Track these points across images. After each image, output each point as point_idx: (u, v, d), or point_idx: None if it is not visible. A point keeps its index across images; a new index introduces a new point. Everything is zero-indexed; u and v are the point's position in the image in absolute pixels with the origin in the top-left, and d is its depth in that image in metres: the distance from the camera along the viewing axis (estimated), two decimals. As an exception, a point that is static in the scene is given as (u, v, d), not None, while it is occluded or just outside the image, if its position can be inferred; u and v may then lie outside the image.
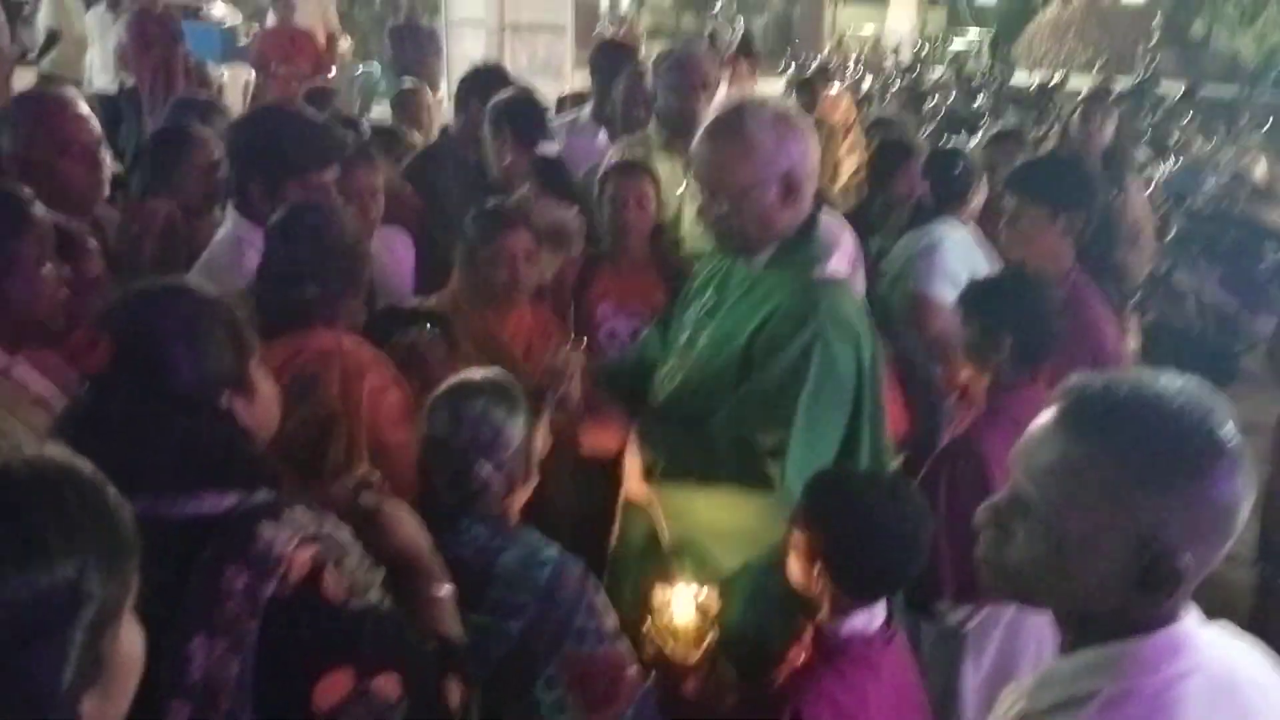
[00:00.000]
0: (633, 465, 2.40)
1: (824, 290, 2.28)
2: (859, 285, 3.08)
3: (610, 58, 4.78)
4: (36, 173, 2.58)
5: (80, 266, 2.29)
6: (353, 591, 1.45)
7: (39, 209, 2.01)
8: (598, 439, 2.43)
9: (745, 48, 13.92)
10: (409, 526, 1.71)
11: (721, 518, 2.33)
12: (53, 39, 8.83)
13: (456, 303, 2.98)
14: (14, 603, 0.79)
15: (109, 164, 2.83)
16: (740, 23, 25.67)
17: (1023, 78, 16.00)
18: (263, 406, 1.59)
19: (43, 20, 9.14)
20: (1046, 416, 1.29)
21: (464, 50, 11.06)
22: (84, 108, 2.83)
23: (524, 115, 3.81)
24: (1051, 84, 13.68)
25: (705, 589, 2.16)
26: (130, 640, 0.92)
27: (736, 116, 2.24)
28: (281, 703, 1.37)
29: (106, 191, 2.89)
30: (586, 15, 21.04)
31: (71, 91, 3.05)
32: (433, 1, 11.59)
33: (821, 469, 2.19)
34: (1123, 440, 1.22)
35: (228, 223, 2.63)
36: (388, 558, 1.61)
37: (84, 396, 1.45)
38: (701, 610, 2.13)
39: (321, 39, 10.20)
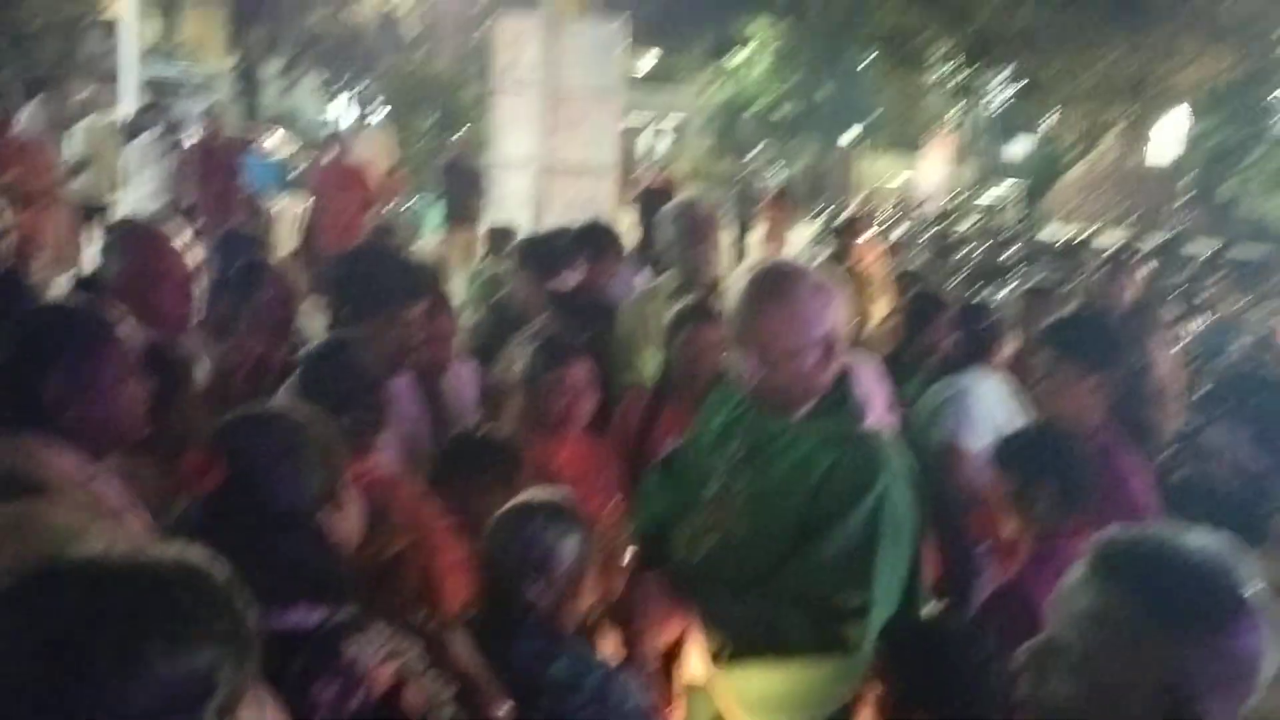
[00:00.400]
0: (692, 647, 2.38)
1: (878, 444, 2.34)
2: (892, 428, 3.16)
3: (651, 201, 5.02)
4: (132, 298, 2.76)
5: (169, 384, 2.41)
6: (429, 707, 1.53)
7: (125, 329, 2.12)
8: (661, 635, 2.39)
9: (780, 196, 14.32)
10: (466, 649, 1.79)
11: (796, 686, 2.31)
12: (80, 166, 9.08)
13: (513, 430, 3.07)
14: (157, 683, 0.87)
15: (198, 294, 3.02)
16: (775, 169, 26.42)
17: (1053, 231, 16.29)
18: (350, 521, 1.69)
19: (76, 147, 9.44)
20: (1080, 566, 1.38)
21: (509, 188, 11.46)
22: (179, 241, 3.02)
23: (542, 251, 4.02)
24: (1082, 238, 13.95)
25: None
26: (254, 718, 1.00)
27: (782, 282, 2.32)
28: None
29: (195, 319, 3.07)
30: (625, 158, 21.75)
31: (169, 225, 3.23)
32: (482, 141, 12.04)
33: (898, 620, 2.21)
34: (1149, 591, 1.31)
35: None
36: (451, 678, 1.68)
37: (192, 512, 1.55)
38: None
39: (377, 173, 10.64)
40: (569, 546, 2.10)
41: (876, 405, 3.09)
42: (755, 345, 2.30)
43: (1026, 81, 19.18)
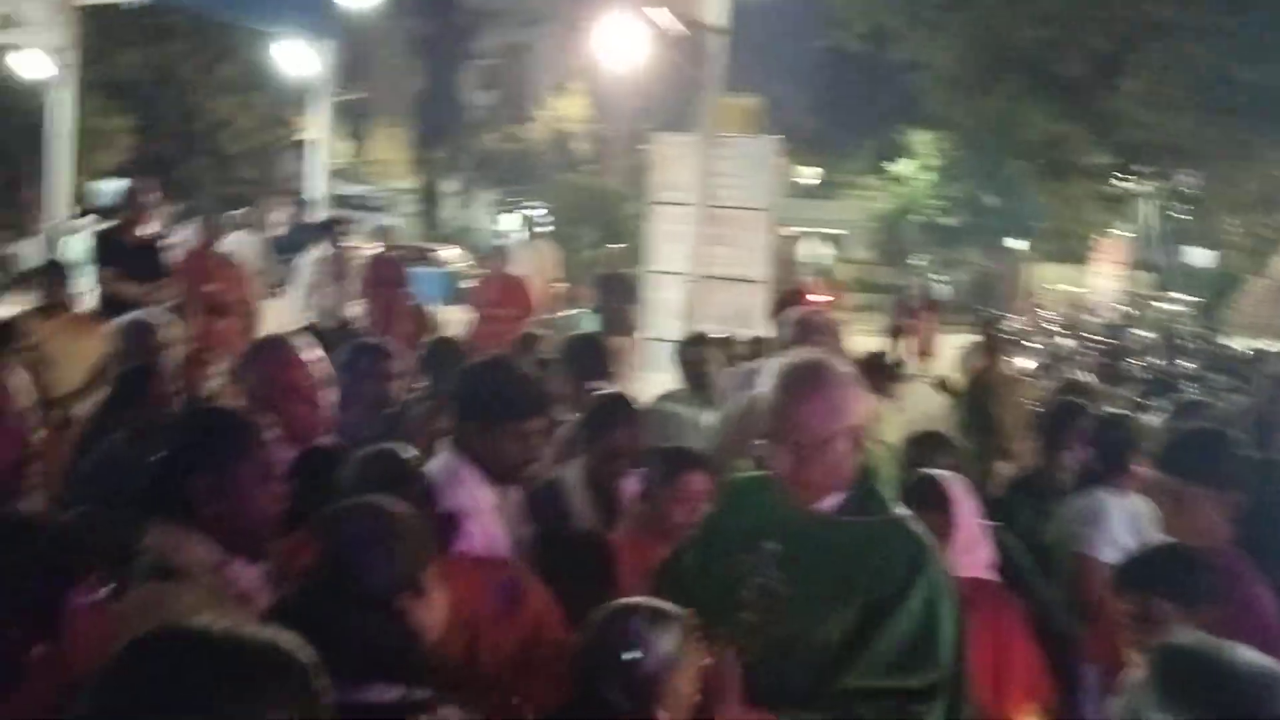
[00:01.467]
0: None
1: (914, 525, 2.44)
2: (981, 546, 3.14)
3: (783, 306, 5.14)
4: (269, 407, 3.06)
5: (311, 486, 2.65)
6: None
7: (267, 435, 2.36)
8: None
9: (932, 304, 14.21)
10: None
11: None
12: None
13: (630, 533, 3.19)
14: None
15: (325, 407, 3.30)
16: (937, 278, 26.16)
17: (1232, 343, 15.60)
18: (434, 610, 1.85)
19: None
20: (1138, 674, 1.43)
21: (662, 297, 11.78)
22: (310, 354, 3.32)
23: (586, 355, 4.15)
24: (1261, 351, 13.32)
25: None
26: None
27: (814, 373, 2.43)
28: None
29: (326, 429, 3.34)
30: (782, 266, 21.95)
31: (303, 339, 3.54)
32: (639, 253, 12.42)
33: None
34: (1201, 705, 1.35)
35: (444, 454, 2.90)
36: None
37: (290, 594, 1.74)
38: None
39: (538, 285, 11.12)
40: (660, 654, 2.12)
41: (965, 517, 3.09)
42: (789, 434, 2.39)
43: (1186, 190, 18.65)
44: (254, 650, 1.06)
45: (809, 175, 33.53)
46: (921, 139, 28.29)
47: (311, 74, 12.82)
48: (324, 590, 1.73)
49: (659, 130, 11.84)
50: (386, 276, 9.87)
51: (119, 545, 2.54)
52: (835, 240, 33.44)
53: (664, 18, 9.93)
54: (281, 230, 10.20)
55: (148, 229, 7.26)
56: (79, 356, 5.75)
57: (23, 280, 7.28)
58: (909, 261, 26.56)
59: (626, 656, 2.11)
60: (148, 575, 2.15)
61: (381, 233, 10.65)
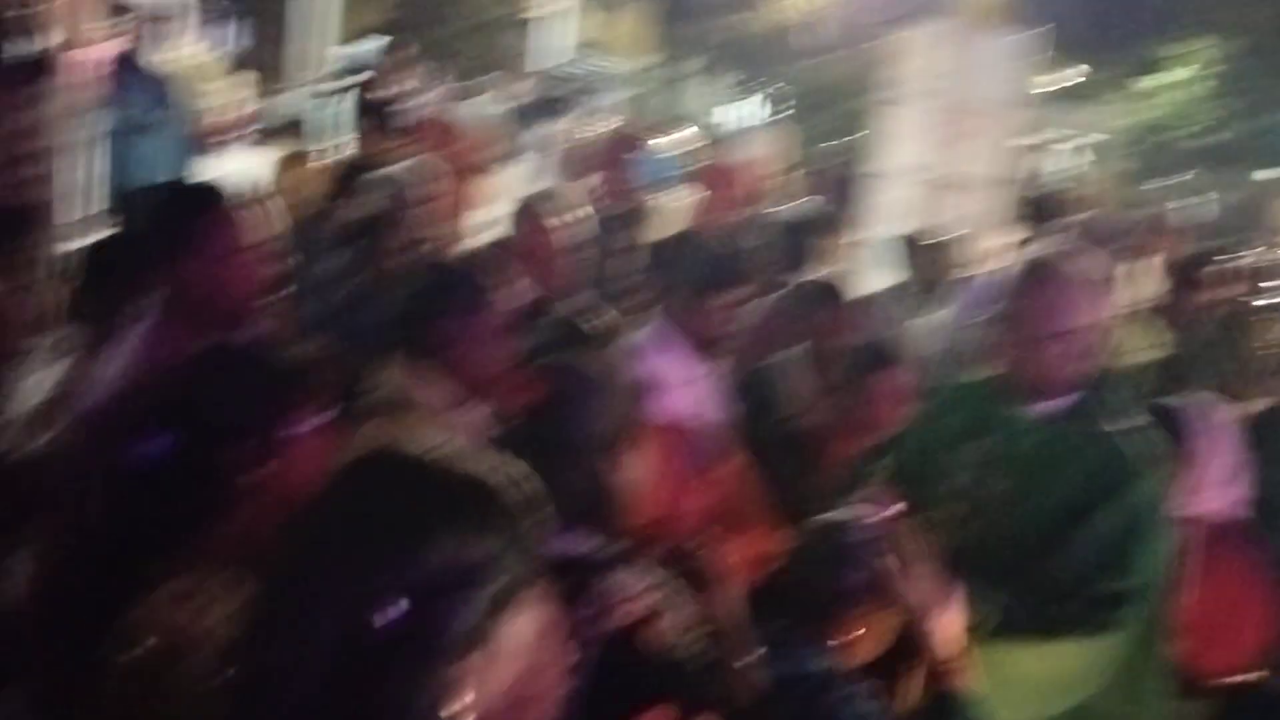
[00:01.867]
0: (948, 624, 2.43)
1: (1142, 444, 2.36)
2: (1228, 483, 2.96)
3: (1035, 211, 4.89)
4: (531, 261, 3.30)
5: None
6: (670, 645, 1.70)
7: (506, 290, 2.46)
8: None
9: (1179, 225, 13.22)
10: (732, 597, 1.95)
11: (1052, 668, 2.35)
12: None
13: (834, 424, 3.20)
14: (440, 561, 1.00)
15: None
16: (1197, 201, 24.19)
17: None
18: (635, 469, 1.92)
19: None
20: None
21: (894, 196, 11.39)
22: (580, 211, 3.45)
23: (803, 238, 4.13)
24: None
25: None
26: (527, 629, 1.09)
27: (1057, 263, 2.35)
28: None
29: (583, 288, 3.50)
30: (1027, 175, 20.72)
31: (573, 195, 3.68)
32: (864, 149, 12.03)
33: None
34: None
35: (654, 322, 2.98)
36: (710, 618, 1.86)
37: (502, 438, 1.83)
38: None
39: (765, 174, 10.96)
40: (883, 552, 2.10)
41: (1209, 450, 2.91)
42: (1023, 325, 2.32)
43: None
44: (469, 471, 1.07)
45: (1067, 77, 31.42)
46: (1198, 44, 25.93)
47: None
48: (533, 437, 1.81)
49: (902, 19, 11.32)
50: (619, 154, 9.94)
51: (349, 379, 2.75)
52: (1092, 149, 31.38)
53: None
54: (524, 99, 10.35)
55: (397, 89, 7.55)
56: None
57: (277, 132, 7.71)
58: (1171, 179, 24.65)
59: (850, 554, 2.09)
60: (381, 409, 2.31)
61: (618, 109, 10.70)
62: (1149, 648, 2.37)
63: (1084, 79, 31.38)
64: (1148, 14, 26.68)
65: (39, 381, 2.69)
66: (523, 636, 1.09)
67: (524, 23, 22.39)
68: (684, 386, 2.77)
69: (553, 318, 2.95)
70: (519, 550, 1.06)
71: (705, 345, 2.81)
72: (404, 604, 0.97)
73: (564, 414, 1.84)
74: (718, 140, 10.46)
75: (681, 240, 3.15)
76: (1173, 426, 2.86)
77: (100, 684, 1.60)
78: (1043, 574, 2.30)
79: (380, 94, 7.43)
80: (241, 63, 16.80)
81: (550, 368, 1.95)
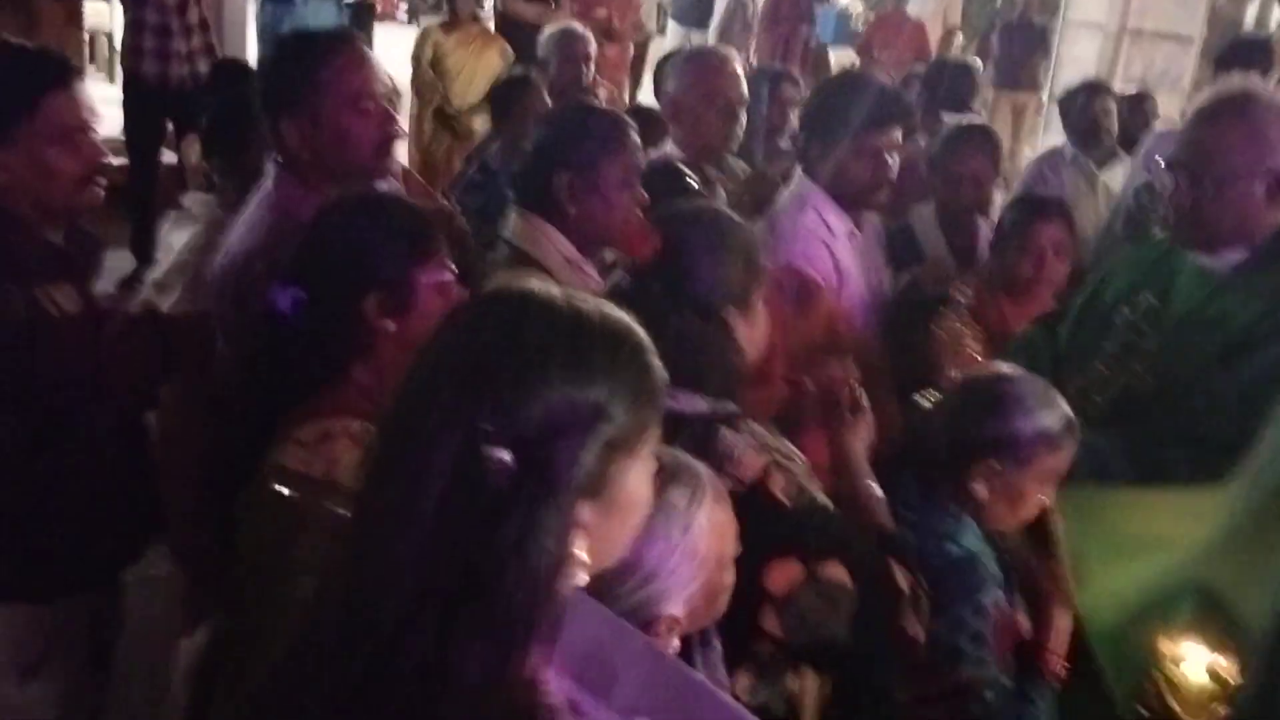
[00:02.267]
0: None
1: None
2: None
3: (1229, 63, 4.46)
4: (684, 118, 3.15)
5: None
6: (798, 495, 1.65)
7: (632, 138, 2.35)
8: None
9: None
10: (852, 438, 1.90)
11: (1162, 519, 2.12)
12: None
13: (983, 286, 3.03)
14: (552, 403, 0.98)
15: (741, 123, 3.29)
16: None
17: None
18: (756, 330, 1.82)
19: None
20: None
21: (1078, 53, 10.68)
22: (737, 67, 3.28)
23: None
24: None
25: (1223, 658, 1.95)
26: (639, 482, 1.08)
27: (1243, 99, 2.09)
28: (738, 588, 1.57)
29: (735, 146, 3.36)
30: (1225, 27, 19.11)
31: (729, 51, 3.50)
32: (1055, 2, 11.26)
33: None
34: None
35: (795, 179, 2.82)
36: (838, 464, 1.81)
37: (620, 286, 1.76)
38: (1214, 676, 1.94)
39: (936, 31, 10.40)
40: (1031, 428, 1.91)
41: None
42: (1194, 164, 2.10)
43: None
44: (585, 316, 1.05)
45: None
46: None
47: None
48: (654, 291, 1.73)
49: None
50: (788, 13, 9.62)
51: (477, 235, 2.71)
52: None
53: None
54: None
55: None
56: (480, 71, 6.11)
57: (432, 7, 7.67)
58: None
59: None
60: (503, 264, 2.28)
61: None
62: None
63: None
64: None
65: (177, 242, 2.75)
66: (637, 489, 1.08)
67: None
68: (823, 244, 2.61)
69: (675, 172, 2.81)
70: (631, 400, 1.03)
71: (851, 198, 2.63)
72: (514, 445, 0.97)
73: (688, 266, 1.74)
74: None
75: (819, 84, 2.92)
76: None
77: (238, 531, 1.64)
78: (1176, 418, 2.10)
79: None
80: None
81: (678, 217, 1.83)
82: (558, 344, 1.00)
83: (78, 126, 2.01)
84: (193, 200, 2.97)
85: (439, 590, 0.96)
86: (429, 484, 0.97)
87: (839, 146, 2.60)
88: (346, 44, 2.29)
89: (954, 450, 1.97)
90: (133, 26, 5.89)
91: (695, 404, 1.66)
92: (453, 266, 1.81)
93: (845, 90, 2.70)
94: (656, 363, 1.08)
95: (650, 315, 1.64)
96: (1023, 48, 10.14)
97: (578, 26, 4.67)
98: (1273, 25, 23.66)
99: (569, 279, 2.21)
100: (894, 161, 2.63)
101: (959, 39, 13.53)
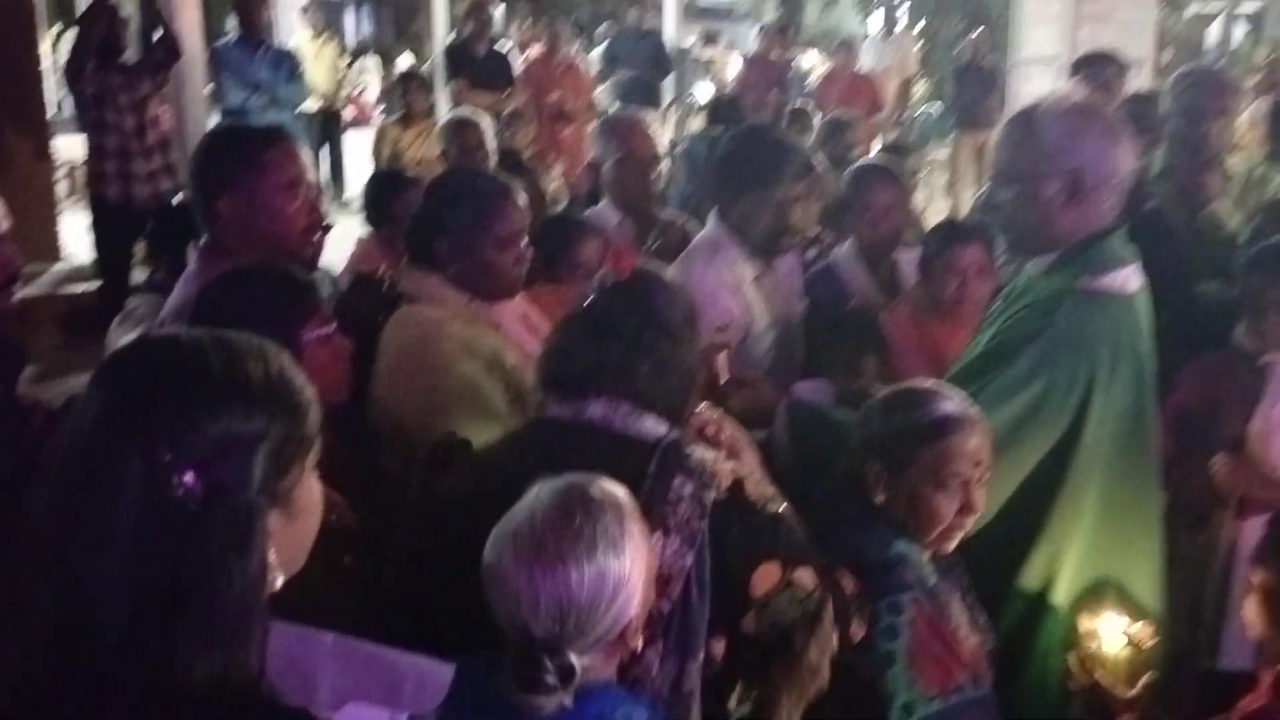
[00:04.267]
0: None
1: (1071, 299, 2.12)
2: None
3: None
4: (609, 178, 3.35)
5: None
6: (765, 499, 1.75)
7: (513, 202, 2.42)
8: None
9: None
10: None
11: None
12: None
13: (914, 312, 3.10)
14: (209, 434, 1.09)
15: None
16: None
17: None
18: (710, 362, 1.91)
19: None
20: None
21: (1031, 88, 10.84)
22: (650, 128, 3.49)
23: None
24: None
25: (1138, 623, 2.07)
26: (312, 489, 1.20)
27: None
28: (721, 590, 1.67)
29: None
30: (1184, 49, 19.42)
31: (642, 113, 3.66)
32: (1003, 40, 11.50)
33: None
34: None
35: (709, 225, 2.92)
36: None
37: (595, 301, 1.80)
38: (1134, 643, 2.04)
39: (893, 82, 10.65)
40: (894, 427, 1.97)
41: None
42: (996, 167, 2.22)
43: None
44: (244, 351, 1.16)
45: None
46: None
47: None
48: (631, 309, 1.78)
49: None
50: (757, 80, 9.87)
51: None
52: (1254, 19, 29.20)
53: None
54: (624, 36, 10.22)
55: (493, 42, 7.63)
56: (430, 161, 6.25)
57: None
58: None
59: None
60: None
61: (763, 34, 10.64)
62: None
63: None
64: None
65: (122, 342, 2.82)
66: (312, 495, 1.21)
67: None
68: (734, 292, 2.69)
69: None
70: (288, 418, 1.16)
71: (759, 246, 2.72)
72: (193, 469, 1.08)
73: (659, 295, 1.81)
74: (831, 53, 10.15)
75: (729, 135, 3.02)
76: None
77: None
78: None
79: (476, 47, 7.49)
80: (364, 48, 17.32)
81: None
82: (213, 380, 1.13)
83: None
84: (136, 301, 3.05)
85: (154, 605, 1.06)
86: (121, 510, 1.07)
87: (746, 197, 2.69)
88: (282, 137, 2.47)
89: (852, 459, 2.05)
90: (95, 152, 6.07)
91: (660, 428, 1.73)
92: (331, 321, 1.97)
93: (753, 144, 2.79)
94: (304, 382, 1.20)
95: (619, 337, 1.73)
96: (977, 88, 10.36)
97: (471, 115, 4.74)
98: (1234, 44, 23.97)
99: (468, 321, 2.35)
100: (804, 211, 2.71)
101: (920, 88, 13.84)
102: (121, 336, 2.89)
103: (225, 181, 2.34)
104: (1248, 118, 5.43)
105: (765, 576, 1.67)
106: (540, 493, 1.48)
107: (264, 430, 1.13)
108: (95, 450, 1.10)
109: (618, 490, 1.51)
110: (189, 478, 1.07)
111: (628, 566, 1.44)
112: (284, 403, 1.16)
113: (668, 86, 10.04)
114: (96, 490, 1.08)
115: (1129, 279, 2.17)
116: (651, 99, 9.73)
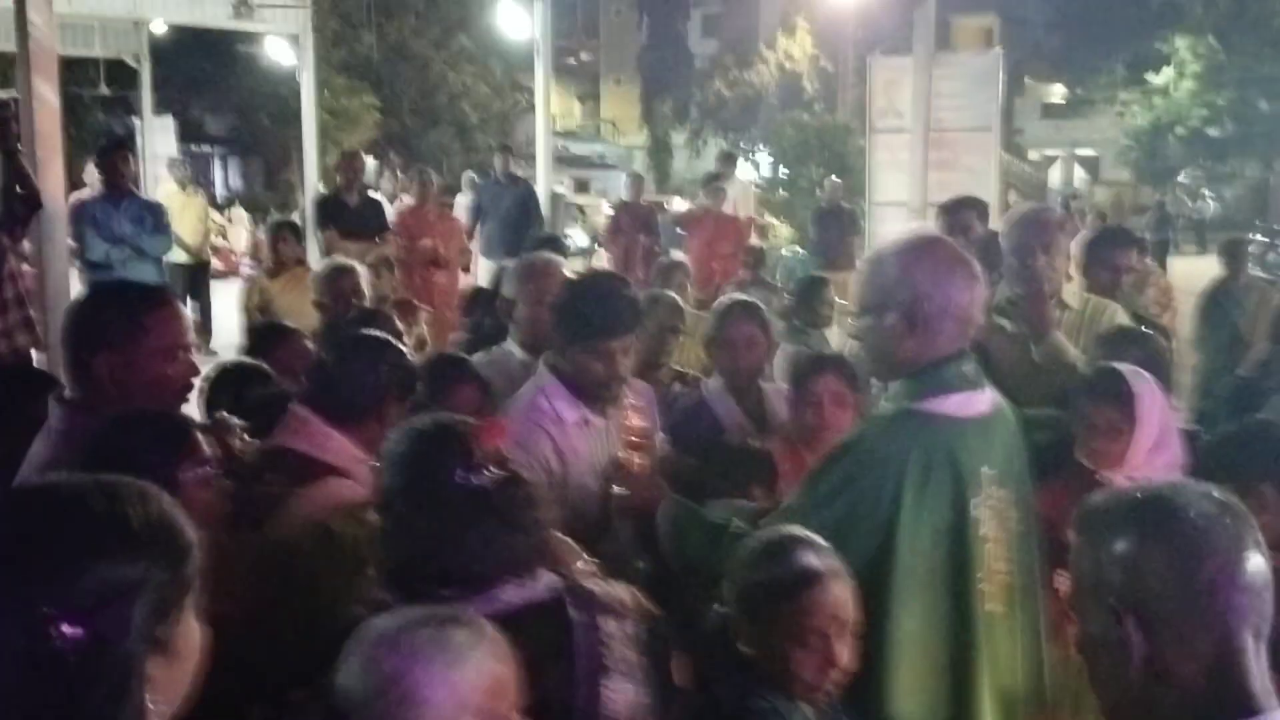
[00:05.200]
0: None
1: (887, 420, 2.24)
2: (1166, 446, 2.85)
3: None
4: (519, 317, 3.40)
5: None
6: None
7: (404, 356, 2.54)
8: None
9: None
10: None
11: None
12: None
13: (783, 441, 3.19)
14: (90, 583, 1.09)
15: None
16: (1203, 196, 24.05)
17: None
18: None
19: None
20: None
21: (886, 229, 11.39)
22: (562, 270, 3.48)
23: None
24: None
25: None
26: (191, 632, 1.19)
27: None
28: None
29: None
30: (1031, 189, 20.72)
31: (555, 258, 3.69)
32: (860, 185, 12.10)
33: None
34: None
35: (540, 368, 2.95)
36: None
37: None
38: None
39: (748, 224, 11.07)
40: (805, 601, 1.93)
41: (1148, 413, 2.81)
42: (855, 303, 2.36)
43: None
44: (123, 497, 1.17)
45: (1056, 95, 31.57)
46: (1180, 44, 25.98)
47: (533, 34, 13.13)
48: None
49: (881, 49, 11.47)
50: (626, 225, 10.15)
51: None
52: (1088, 163, 31.42)
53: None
54: (491, 184, 10.41)
55: (365, 191, 7.70)
56: (310, 311, 6.20)
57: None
58: (1167, 181, 24.46)
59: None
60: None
61: (631, 182, 11.07)
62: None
63: (1066, 101, 31.43)
64: (1124, 25, 26.79)
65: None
66: (191, 637, 1.20)
67: (518, 116, 22.79)
68: (544, 431, 2.74)
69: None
70: (168, 561, 1.15)
71: (586, 393, 2.77)
72: (74, 620, 1.07)
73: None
74: (712, 194, 10.49)
75: (566, 285, 3.07)
76: (1111, 390, 2.81)
77: None
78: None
79: (347, 197, 7.55)
80: (233, 200, 17.31)
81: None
82: (93, 527, 1.13)
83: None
84: None
85: None
86: (2, 661, 1.06)
87: (575, 346, 2.75)
88: (164, 300, 2.49)
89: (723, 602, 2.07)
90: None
91: (535, 589, 1.72)
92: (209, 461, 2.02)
93: (590, 295, 2.83)
94: (184, 524, 1.20)
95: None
96: (836, 231, 10.85)
97: (347, 262, 4.75)
98: (1075, 184, 25.56)
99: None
100: (625, 362, 2.77)
101: (783, 230, 14.36)
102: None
103: (103, 340, 2.32)
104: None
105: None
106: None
107: (144, 576, 1.12)
108: None
109: (486, 626, 1.49)
110: (69, 628, 1.07)
111: (429, 680, 1.39)
112: (164, 547, 1.16)
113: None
114: None
115: (968, 403, 2.24)
116: (520, 246, 9.92)
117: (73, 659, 1.06)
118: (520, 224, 9.03)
